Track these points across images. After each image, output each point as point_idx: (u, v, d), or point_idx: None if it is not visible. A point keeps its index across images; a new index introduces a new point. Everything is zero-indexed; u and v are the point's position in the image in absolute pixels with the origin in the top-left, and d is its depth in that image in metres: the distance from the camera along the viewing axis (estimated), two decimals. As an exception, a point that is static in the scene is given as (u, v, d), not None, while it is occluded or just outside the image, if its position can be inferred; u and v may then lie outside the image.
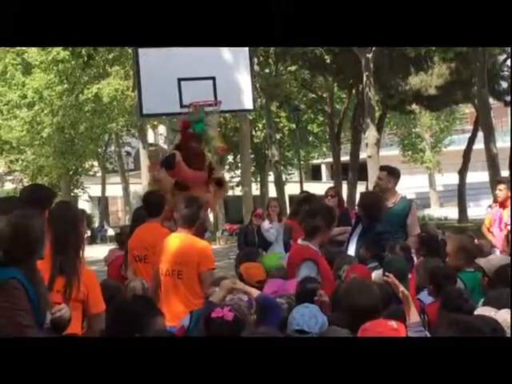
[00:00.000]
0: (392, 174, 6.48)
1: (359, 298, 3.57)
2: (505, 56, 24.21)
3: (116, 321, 3.21)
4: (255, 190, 31.88)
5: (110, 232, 33.42)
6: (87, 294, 3.59)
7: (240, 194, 26.68)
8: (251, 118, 29.21)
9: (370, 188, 8.87)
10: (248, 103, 7.78)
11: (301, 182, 27.60)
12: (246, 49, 7.52)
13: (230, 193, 30.30)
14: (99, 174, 40.08)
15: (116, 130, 33.75)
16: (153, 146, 37.79)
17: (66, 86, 29.55)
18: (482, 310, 3.63)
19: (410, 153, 44.95)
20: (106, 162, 39.47)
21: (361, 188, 23.63)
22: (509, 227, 6.74)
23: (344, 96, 31.24)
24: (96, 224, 40.12)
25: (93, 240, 33.26)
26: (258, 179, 36.21)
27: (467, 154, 28.23)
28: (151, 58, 7.19)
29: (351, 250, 5.93)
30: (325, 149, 39.79)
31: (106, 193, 40.90)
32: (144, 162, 31.84)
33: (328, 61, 24.26)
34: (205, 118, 6.86)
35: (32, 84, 29.57)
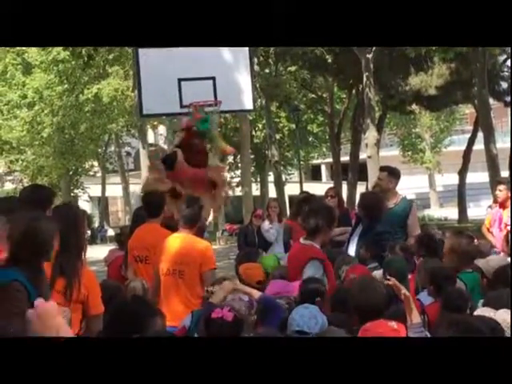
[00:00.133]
0: (393, 174, 6.49)
1: (367, 296, 3.59)
2: (505, 56, 24.23)
3: (116, 321, 3.20)
4: (255, 190, 31.85)
5: (110, 232, 33.48)
6: (87, 295, 3.58)
7: (240, 194, 26.66)
8: (251, 118, 29.18)
9: (370, 188, 8.87)
10: (248, 103, 7.77)
11: (301, 183, 27.63)
12: (246, 49, 7.51)
13: (230, 193, 30.23)
14: (99, 174, 40.11)
15: (116, 131, 33.78)
16: (153, 146, 37.75)
17: (66, 86, 29.55)
18: (481, 311, 3.63)
19: (409, 153, 44.91)
20: (105, 162, 39.50)
21: (361, 188, 23.61)
22: (509, 227, 6.74)
23: (344, 96, 31.23)
24: (96, 224, 40.19)
25: (93, 240, 33.28)
26: (258, 179, 36.20)
27: (467, 154, 28.25)
28: (151, 58, 7.17)
29: (351, 251, 5.93)
30: (325, 149, 39.74)
31: (106, 193, 40.94)
32: (144, 162, 31.75)
33: (328, 61, 24.25)
34: (209, 118, 6.85)
35: (32, 84, 29.59)
